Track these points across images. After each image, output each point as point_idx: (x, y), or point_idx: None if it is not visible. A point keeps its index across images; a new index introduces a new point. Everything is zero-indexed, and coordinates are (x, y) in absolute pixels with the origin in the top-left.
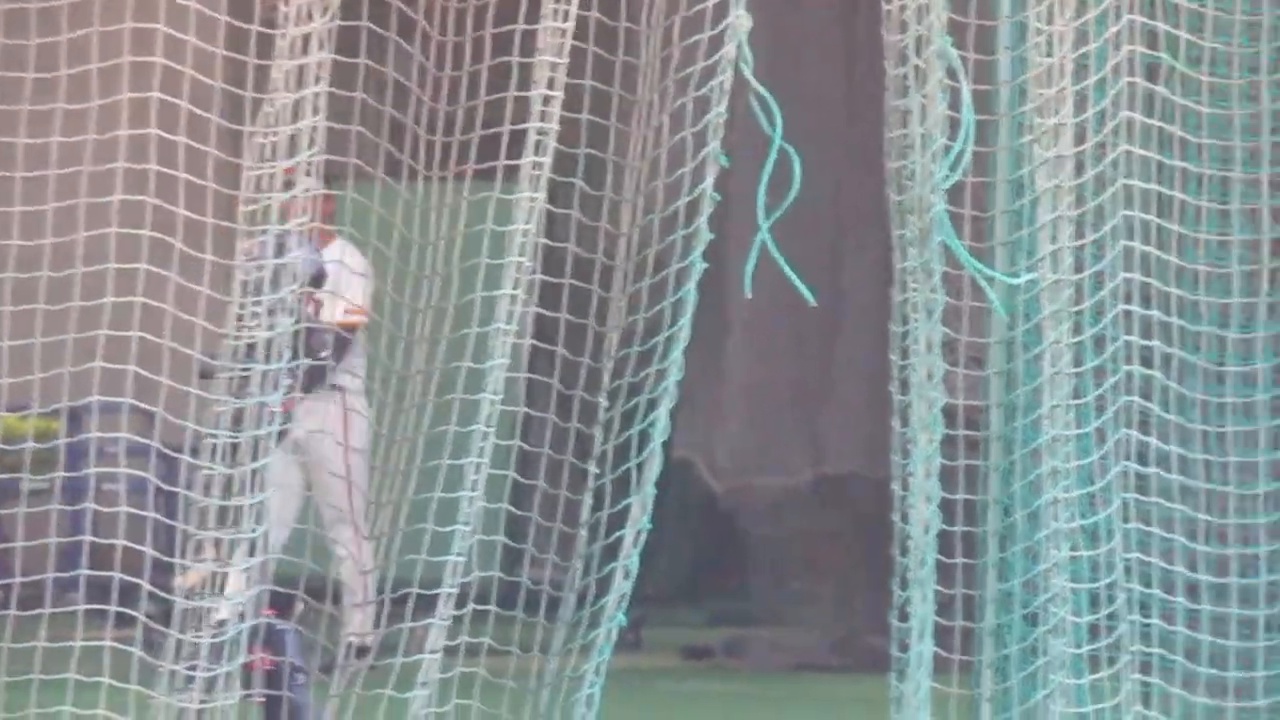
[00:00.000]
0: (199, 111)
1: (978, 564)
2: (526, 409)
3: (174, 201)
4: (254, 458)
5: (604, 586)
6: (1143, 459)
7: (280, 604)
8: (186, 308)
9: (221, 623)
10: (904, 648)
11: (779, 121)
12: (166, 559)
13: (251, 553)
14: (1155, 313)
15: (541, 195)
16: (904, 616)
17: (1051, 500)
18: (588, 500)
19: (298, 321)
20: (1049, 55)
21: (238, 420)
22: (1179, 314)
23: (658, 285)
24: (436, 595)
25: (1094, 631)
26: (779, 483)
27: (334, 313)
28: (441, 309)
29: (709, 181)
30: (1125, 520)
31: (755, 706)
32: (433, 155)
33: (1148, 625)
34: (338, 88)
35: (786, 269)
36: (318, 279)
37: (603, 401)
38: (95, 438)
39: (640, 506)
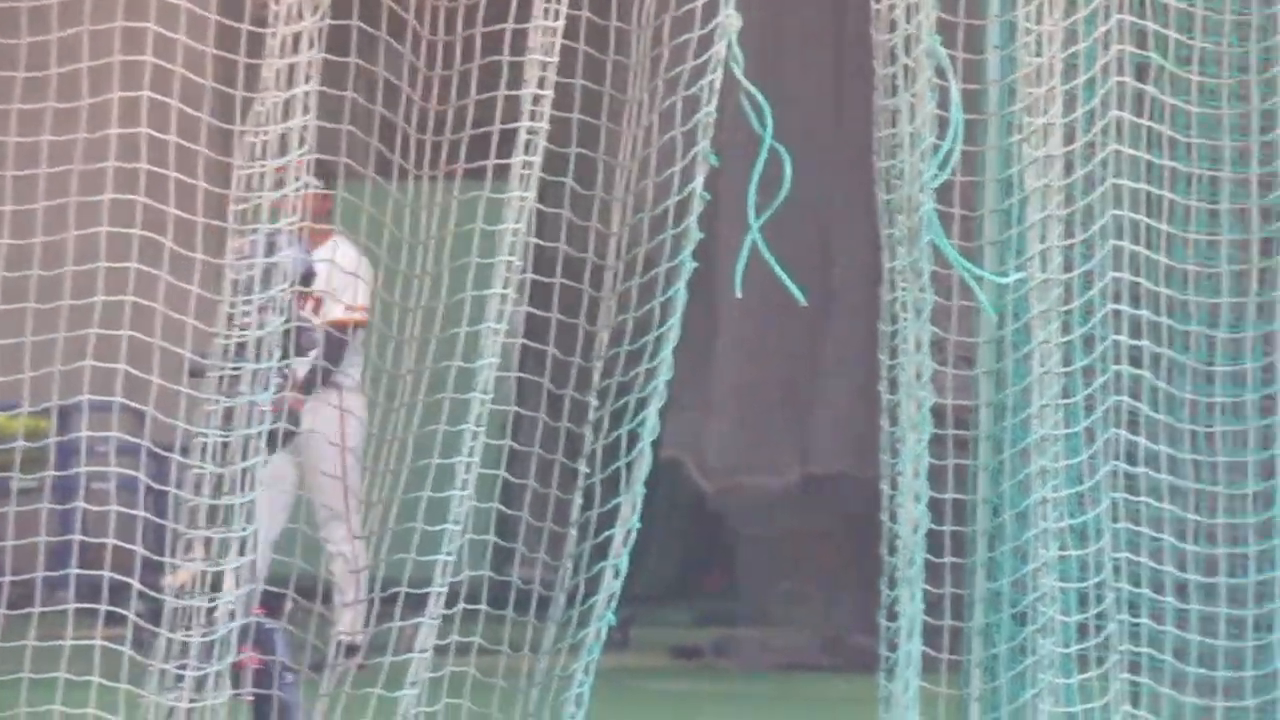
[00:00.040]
0: (189, 110)
1: (966, 563)
2: (516, 408)
3: (164, 200)
4: (244, 457)
5: (593, 585)
6: (1131, 458)
7: (270, 603)
8: (177, 307)
9: (220, 616)
10: (893, 647)
11: (769, 121)
12: (156, 558)
13: (241, 552)
14: (1144, 312)
15: (532, 194)
16: (893, 616)
17: (1040, 500)
18: (578, 499)
19: (288, 320)
20: (1038, 54)
21: (228, 419)
22: (1168, 313)
23: (647, 284)
24: (426, 594)
25: (1083, 631)
26: (768, 482)
27: (334, 311)
28: (432, 308)
29: (699, 181)
30: (1114, 520)
31: (744, 706)
32: (423, 154)
33: (1136, 624)
34: (328, 87)
35: (777, 269)
36: (307, 278)
37: (593, 401)
38: (85, 436)
39: (630, 506)
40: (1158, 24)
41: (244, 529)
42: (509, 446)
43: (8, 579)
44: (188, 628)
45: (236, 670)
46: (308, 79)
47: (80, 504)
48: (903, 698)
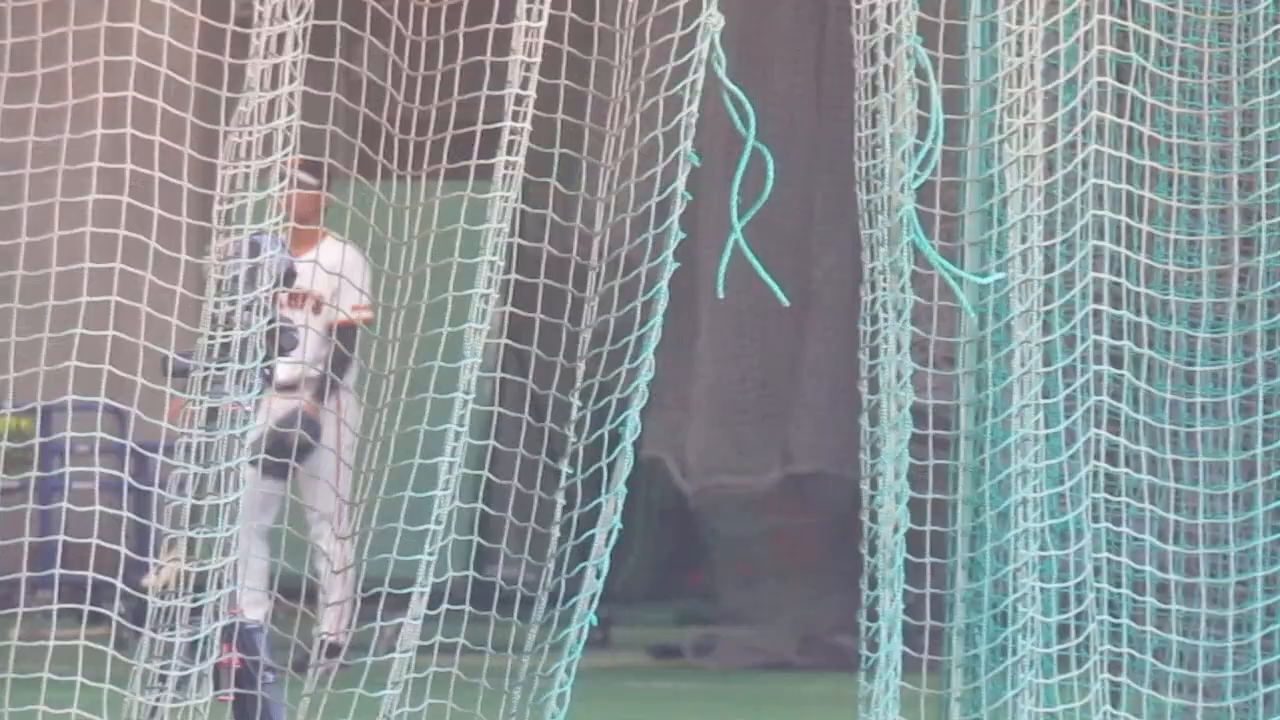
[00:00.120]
0: (174, 111)
1: (947, 563)
2: (500, 409)
3: (149, 200)
4: (227, 457)
5: (574, 585)
6: (1112, 459)
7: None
8: (161, 307)
9: (204, 616)
10: (873, 647)
11: (753, 120)
12: (139, 558)
13: (225, 552)
14: (1125, 312)
15: (514, 194)
16: (873, 616)
17: (1021, 500)
18: (560, 500)
19: (271, 321)
20: (1019, 54)
21: (211, 419)
22: (1149, 314)
23: (629, 284)
24: (409, 594)
25: (1063, 631)
26: (748, 482)
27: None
28: (414, 308)
29: (681, 180)
30: (1095, 520)
31: (724, 705)
32: (406, 154)
33: (1117, 625)
34: (311, 87)
35: (760, 270)
36: (288, 277)
37: (575, 401)
38: (67, 437)
39: (611, 505)
40: (1139, 24)
41: (227, 529)
42: (491, 446)
43: None
44: (170, 628)
45: (217, 670)
46: (292, 79)
47: (65, 505)
48: (883, 698)
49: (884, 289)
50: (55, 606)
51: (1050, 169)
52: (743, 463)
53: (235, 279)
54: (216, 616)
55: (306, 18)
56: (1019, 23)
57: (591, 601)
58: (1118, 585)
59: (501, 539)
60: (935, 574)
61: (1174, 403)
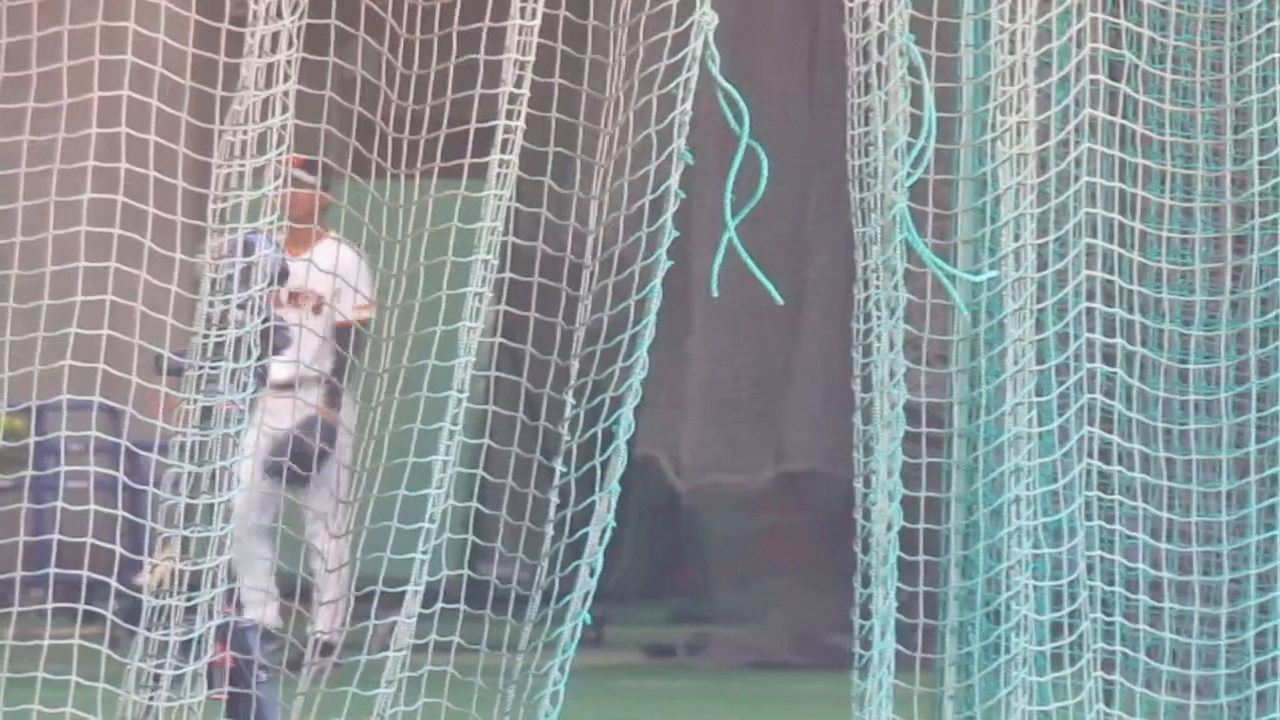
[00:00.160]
0: (169, 110)
1: (940, 561)
2: (494, 407)
3: (144, 200)
4: (221, 456)
5: (568, 584)
6: (1105, 456)
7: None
8: (156, 306)
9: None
10: (866, 645)
11: (747, 118)
12: (134, 557)
13: (219, 551)
14: (1118, 310)
15: (508, 192)
16: (866, 614)
17: (1013, 497)
18: (554, 498)
19: (266, 320)
20: (1012, 52)
21: (205, 418)
22: (1142, 311)
23: (623, 282)
24: (403, 593)
25: (1056, 629)
26: (741, 480)
27: (342, 312)
28: (408, 307)
29: (674, 178)
30: (1088, 518)
31: (717, 704)
32: (400, 152)
33: (1110, 622)
34: (305, 85)
35: (754, 268)
36: (281, 276)
37: (569, 399)
38: (62, 436)
39: (605, 504)
40: (1131, 22)
41: (222, 528)
42: (486, 445)
43: None
44: (165, 627)
45: (211, 669)
46: (286, 78)
47: (60, 504)
48: (876, 696)
49: (877, 287)
50: (50, 606)
51: (1043, 167)
52: (736, 461)
53: (230, 278)
54: (211, 615)
55: (301, 16)
56: (1011, 20)
57: (585, 600)
58: (1111, 583)
59: (496, 537)
60: (928, 572)
61: (1167, 400)
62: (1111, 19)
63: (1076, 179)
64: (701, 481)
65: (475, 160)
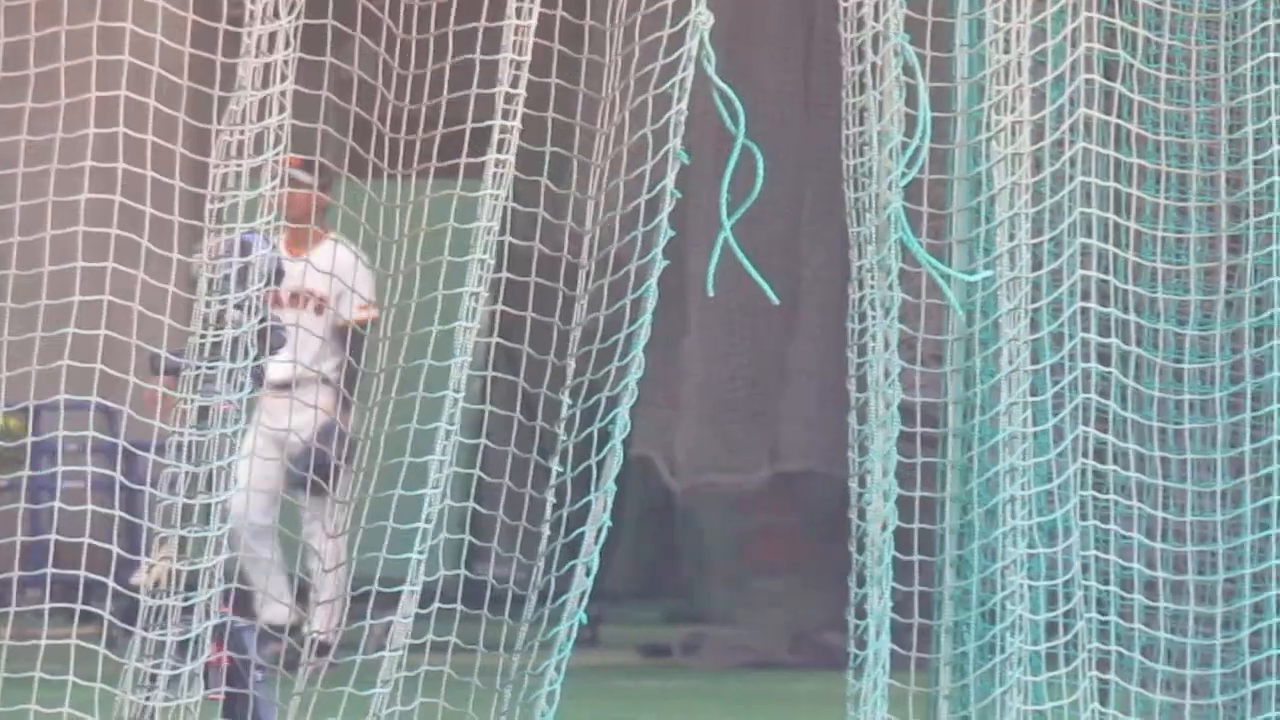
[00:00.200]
0: (167, 110)
1: (935, 561)
2: (491, 407)
3: (141, 200)
4: (219, 456)
5: (564, 583)
6: (1100, 456)
7: (240, 601)
8: (151, 306)
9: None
10: (861, 645)
11: (742, 118)
12: (130, 556)
13: (216, 551)
14: (1113, 310)
15: (504, 192)
16: (861, 614)
17: (1008, 497)
18: (550, 498)
19: (263, 320)
20: (1006, 52)
21: (202, 418)
22: (1136, 311)
23: (619, 282)
24: (398, 593)
25: (1051, 628)
26: (736, 480)
27: (345, 312)
28: (404, 307)
29: (670, 178)
30: (1083, 517)
31: (712, 704)
32: (396, 152)
33: (1105, 622)
34: (302, 85)
35: (750, 268)
36: (277, 276)
37: (566, 399)
38: (60, 436)
39: (601, 503)
40: (1126, 21)
41: (219, 528)
42: (482, 445)
43: None
44: (162, 627)
45: (207, 669)
46: (283, 78)
47: (57, 504)
48: (871, 695)
49: (872, 286)
50: (47, 606)
51: (1038, 166)
52: (731, 461)
53: (226, 278)
54: (208, 615)
55: (298, 16)
56: (1006, 20)
57: (582, 599)
58: (1106, 583)
59: (492, 537)
60: (923, 571)
61: (1162, 400)
62: (1106, 18)
63: (1071, 178)
64: (697, 481)
65: (472, 160)
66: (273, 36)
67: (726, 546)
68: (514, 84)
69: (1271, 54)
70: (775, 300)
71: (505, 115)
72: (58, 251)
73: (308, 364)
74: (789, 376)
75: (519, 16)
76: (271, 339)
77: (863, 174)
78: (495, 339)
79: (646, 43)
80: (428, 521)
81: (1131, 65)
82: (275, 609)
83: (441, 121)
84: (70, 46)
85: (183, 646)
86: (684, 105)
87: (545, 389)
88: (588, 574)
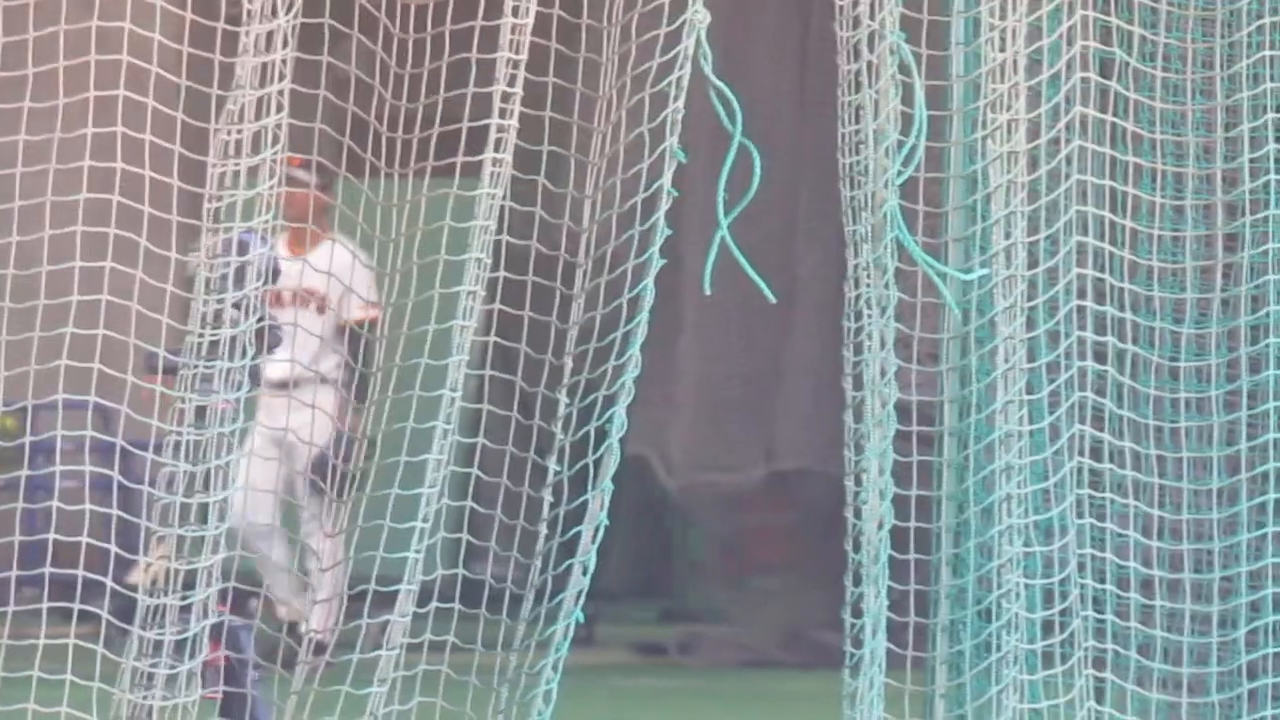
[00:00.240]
0: (166, 110)
1: (931, 560)
2: (488, 406)
3: (139, 199)
4: (216, 455)
5: (561, 582)
6: (1096, 454)
7: (237, 600)
8: (149, 305)
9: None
10: (857, 643)
11: (739, 117)
12: (127, 555)
13: (214, 550)
14: (1109, 308)
15: (501, 191)
16: (857, 612)
17: (1004, 496)
18: (548, 497)
19: (260, 320)
20: (1002, 50)
21: (200, 417)
22: (1132, 309)
23: (615, 281)
24: (395, 592)
25: (1048, 627)
26: (732, 479)
27: (351, 312)
28: (401, 306)
29: (667, 176)
30: (1079, 516)
31: (708, 703)
32: (393, 151)
33: (1101, 620)
34: (299, 85)
35: (747, 267)
36: (274, 275)
37: (563, 398)
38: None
39: (598, 502)
40: (1122, 19)
41: (217, 527)
42: (480, 444)
43: None
44: (159, 626)
45: (203, 668)
46: (281, 77)
47: (56, 503)
48: (867, 694)
49: (868, 285)
50: (45, 605)
51: (1033, 165)
52: (727, 460)
53: (223, 277)
54: (205, 614)
55: (295, 16)
56: (1002, 18)
57: (578, 598)
58: (1102, 581)
59: (489, 536)
60: (919, 570)
61: (1158, 398)
62: (1102, 16)
63: (1067, 176)
64: (692, 480)
65: (468, 159)
66: (270, 35)
67: (722, 545)
68: (511, 83)
69: (1267, 52)
70: (772, 299)
71: (502, 114)
72: (55, 251)
73: (307, 364)
74: (785, 375)
75: (516, 15)
76: (268, 338)
77: (858, 172)
78: (493, 338)
79: (643, 41)
80: (425, 520)
81: (1127, 63)
82: (297, 606)
83: (438, 120)
84: (68, 46)
85: (180, 645)
86: (680, 104)
87: (542, 388)
88: (585, 573)
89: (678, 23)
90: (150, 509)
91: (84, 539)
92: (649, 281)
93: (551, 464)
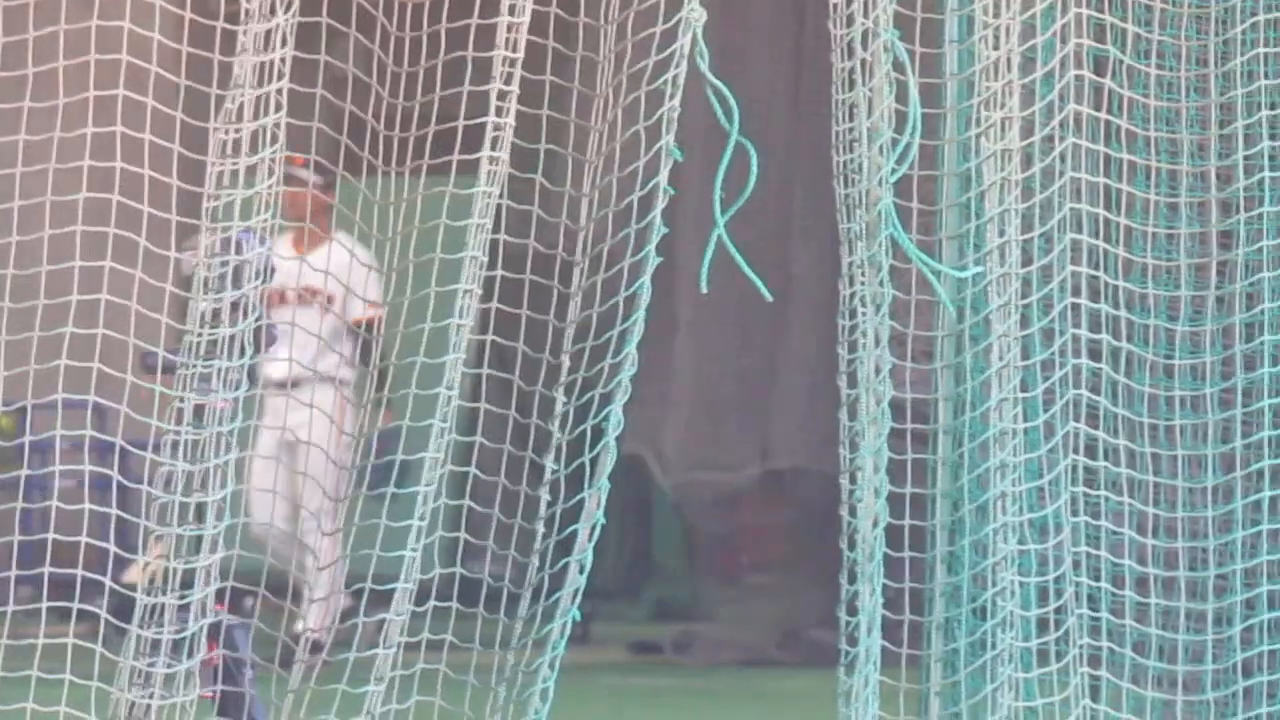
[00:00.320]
0: (165, 109)
1: (926, 558)
2: (485, 404)
3: (138, 199)
4: (215, 454)
5: (557, 581)
6: (1091, 452)
7: (234, 599)
8: (148, 305)
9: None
10: (852, 642)
11: (736, 115)
12: (126, 555)
13: (212, 549)
14: (1104, 306)
15: (497, 190)
16: (852, 611)
17: (999, 494)
18: (544, 495)
19: (258, 319)
20: (996, 48)
21: (196, 416)
22: (1127, 307)
23: (612, 279)
24: (393, 591)
25: (1043, 625)
26: (727, 477)
27: (355, 311)
28: (397, 304)
29: (663, 175)
30: (1074, 514)
31: (703, 701)
32: (390, 150)
33: (1096, 618)
34: (297, 83)
35: (744, 265)
36: (269, 275)
37: (560, 396)
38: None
39: (595, 501)
40: (1116, 17)
41: (215, 527)
42: (477, 442)
43: None
44: (157, 625)
45: (201, 667)
46: (279, 75)
47: (55, 502)
48: (862, 692)
49: (862, 283)
50: (44, 605)
51: (1028, 162)
52: (722, 458)
53: (220, 276)
54: (203, 614)
55: (293, 14)
56: (996, 16)
57: (575, 597)
58: (1097, 579)
59: (486, 535)
60: (914, 568)
61: (1153, 396)
62: (1096, 14)
63: (1061, 174)
64: (687, 478)
65: (465, 157)
66: (269, 34)
67: (717, 543)
68: (507, 81)
69: (1261, 49)
70: (769, 298)
71: (499, 112)
72: (55, 251)
73: (307, 363)
74: (780, 373)
75: (512, 14)
76: (265, 337)
77: (852, 170)
78: (489, 336)
79: (639, 39)
80: (422, 519)
81: (1121, 61)
82: (333, 599)
83: (435, 118)
84: (68, 46)
85: (178, 644)
86: (676, 102)
87: (539, 386)
88: (581, 571)
89: (673, 21)
90: (148, 508)
91: (82, 538)
92: (645, 279)
93: (548, 462)
